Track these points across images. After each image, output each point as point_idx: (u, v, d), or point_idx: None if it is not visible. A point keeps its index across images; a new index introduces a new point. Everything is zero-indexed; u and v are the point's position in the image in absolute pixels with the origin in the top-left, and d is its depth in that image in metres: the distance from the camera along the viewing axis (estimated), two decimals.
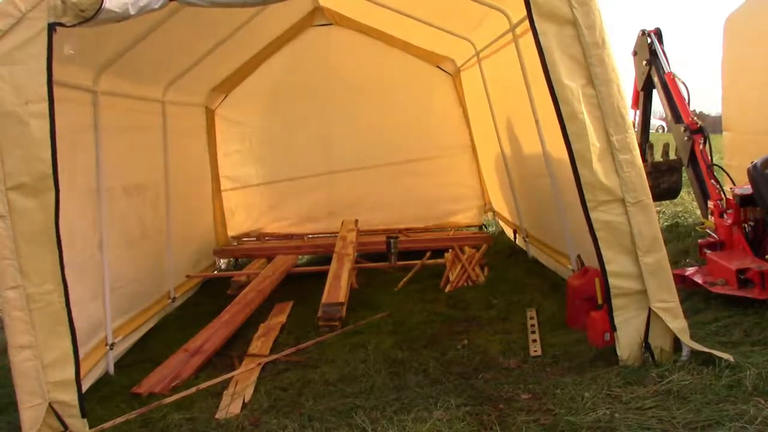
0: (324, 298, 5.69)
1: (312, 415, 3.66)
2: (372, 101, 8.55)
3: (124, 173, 5.63)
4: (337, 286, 5.99)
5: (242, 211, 8.95)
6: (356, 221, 8.22)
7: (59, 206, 3.57)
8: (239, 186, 8.86)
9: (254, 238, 8.84)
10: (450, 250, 7.29)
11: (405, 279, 6.80)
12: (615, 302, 3.81)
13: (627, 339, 3.81)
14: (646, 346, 3.79)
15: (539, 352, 4.38)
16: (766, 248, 5.02)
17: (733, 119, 7.82)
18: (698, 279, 5.09)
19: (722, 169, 6.05)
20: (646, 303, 3.78)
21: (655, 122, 21.22)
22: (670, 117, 6.01)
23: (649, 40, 6.05)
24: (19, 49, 3.48)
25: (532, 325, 4.94)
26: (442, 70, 8.71)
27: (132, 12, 3.60)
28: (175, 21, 5.11)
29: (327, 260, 7.18)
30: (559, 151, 4.31)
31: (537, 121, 5.47)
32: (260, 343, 5.18)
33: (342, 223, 8.14)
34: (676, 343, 3.79)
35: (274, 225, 8.97)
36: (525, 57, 5.29)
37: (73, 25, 3.53)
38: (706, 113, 20.70)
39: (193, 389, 4.24)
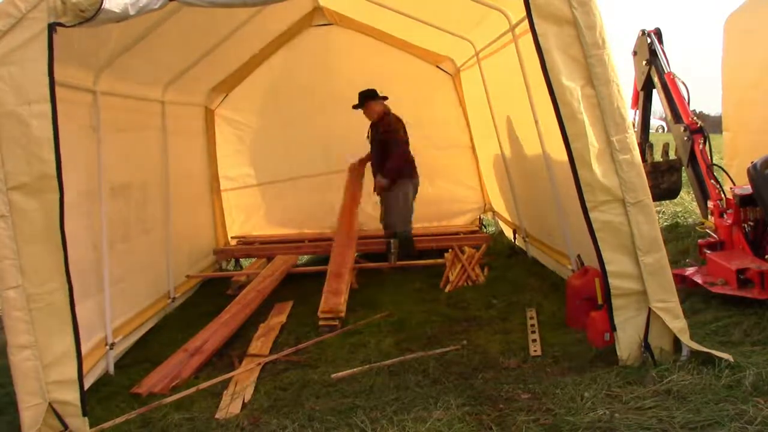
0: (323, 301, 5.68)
1: (312, 415, 3.66)
2: None
3: (124, 173, 5.63)
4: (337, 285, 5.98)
5: (242, 211, 8.95)
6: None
7: (63, 206, 3.57)
8: (239, 186, 8.86)
9: (253, 240, 8.84)
10: (450, 250, 7.29)
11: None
12: (615, 302, 3.81)
13: (627, 339, 3.82)
14: (645, 346, 3.79)
15: (539, 352, 4.38)
16: (766, 248, 5.03)
17: (733, 119, 7.82)
18: (698, 279, 5.09)
19: (722, 169, 6.05)
20: (646, 303, 3.78)
21: (655, 122, 21.25)
22: (670, 117, 6.02)
23: (649, 40, 6.06)
24: (20, 50, 3.48)
25: (532, 325, 4.94)
26: (442, 70, 8.71)
27: (132, 12, 3.61)
28: (175, 21, 5.11)
29: (327, 260, 7.19)
30: (558, 151, 4.31)
31: (537, 121, 5.47)
32: (260, 343, 5.18)
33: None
34: (676, 343, 3.80)
35: (274, 225, 8.97)
36: (525, 57, 5.29)
37: (73, 26, 3.54)
38: (706, 113, 20.72)
39: (193, 389, 4.24)
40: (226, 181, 8.80)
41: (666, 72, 5.95)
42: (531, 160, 6.26)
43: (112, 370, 4.81)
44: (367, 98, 7.40)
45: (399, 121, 7.39)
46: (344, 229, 7.32)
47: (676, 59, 6.00)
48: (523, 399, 3.58)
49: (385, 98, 7.47)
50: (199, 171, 8.20)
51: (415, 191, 7.56)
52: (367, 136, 7.59)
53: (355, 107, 7.46)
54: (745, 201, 5.18)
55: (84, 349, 4.43)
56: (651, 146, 6.55)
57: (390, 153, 7.30)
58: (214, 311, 5.88)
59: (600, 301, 4.26)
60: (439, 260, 7.21)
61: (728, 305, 4.65)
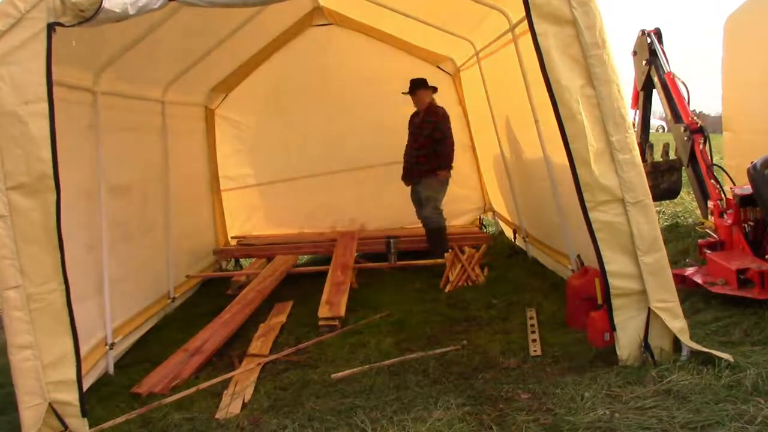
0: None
1: (312, 415, 3.66)
2: (372, 101, 8.54)
3: (123, 173, 5.63)
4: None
5: (242, 211, 8.95)
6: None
7: (60, 206, 3.57)
8: (239, 186, 8.86)
9: (253, 240, 8.84)
10: (450, 250, 7.29)
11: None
12: (615, 302, 3.81)
13: (627, 339, 3.82)
14: (645, 346, 3.79)
15: (539, 352, 4.38)
16: (766, 248, 5.03)
17: (733, 119, 7.82)
18: (698, 279, 5.09)
19: (722, 169, 6.05)
20: (646, 303, 3.78)
21: (655, 122, 21.25)
22: (669, 117, 6.02)
23: (648, 40, 6.06)
24: (19, 49, 3.48)
25: (532, 325, 4.94)
26: (442, 70, 8.71)
27: (131, 12, 3.61)
28: (175, 21, 5.11)
29: (327, 260, 7.20)
30: (558, 151, 4.31)
31: (537, 121, 5.47)
32: (260, 343, 5.18)
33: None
34: (676, 343, 3.80)
35: (274, 225, 8.98)
36: (524, 57, 5.29)
37: (73, 25, 3.53)
38: (706, 113, 20.73)
39: (193, 389, 4.24)
40: (226, 181, 8.80)
41: (666, 72, 5.95)
42: (531, 160, 6.27)
43: (112, 370, 4.81)
44: (419, 86, 7.37)
45: (446, 113, 7.44)
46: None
47: (676, 59, 6.01)
48: (523, 399, 3.58)
49: (435, 89, 7.47)
50: (199, 171, 8.20)
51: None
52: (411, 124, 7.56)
53: (405, 93, 7.43)
54: (745, 201, 5.18)
55: (84, 349, 4.45)
56: (651, 146, 6.55)
57: (444, 140, 7.30)
58: (214, 311, 5.88)
59: (600, 301, 4.26)
60: (439, 260, 7.21)
61: (728, 305, 4.65)
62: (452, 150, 7.36)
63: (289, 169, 8.79)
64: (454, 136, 8.54)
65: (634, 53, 6.34)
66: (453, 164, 7.38)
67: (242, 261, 8.64)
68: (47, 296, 3.57)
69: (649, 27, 6.21)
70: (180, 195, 6.92)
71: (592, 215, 3.78)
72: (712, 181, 5.54)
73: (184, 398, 4.12)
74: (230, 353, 5.08)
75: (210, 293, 7.14)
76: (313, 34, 8.47)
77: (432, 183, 7.33)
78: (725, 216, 5.35)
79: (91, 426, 3.69)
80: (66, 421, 3.59)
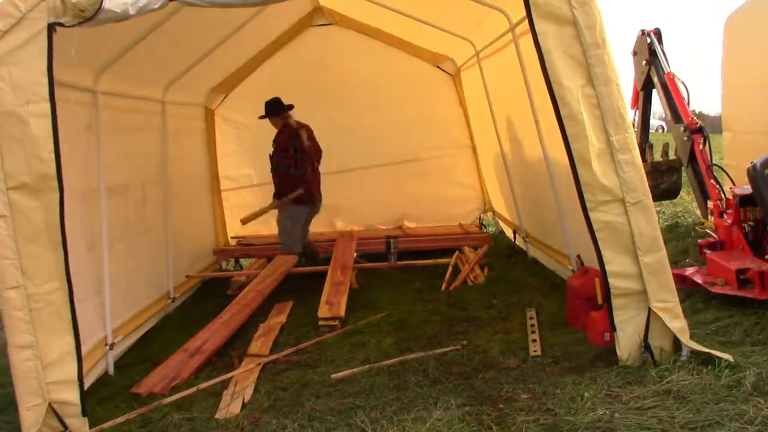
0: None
1: (312, 415, 3.66)
2: (372, 101, 8.55)
3: (123, 173, 5.62)
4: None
5: (242, 211, 8.93)
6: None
7: (63, 206, 3.57)
8: (239, 186, 8.86)
9: (253, 240, 8.84)
10: (457, 252, 7.31)
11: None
12: (615, 302, 3.81)
13: (627, 339, 3.82)
14: (645, 346, 3.79)
15: (539, 352, 4.38)
16: (766, 248, 5.03)
17: (733, 119, 7.82)
18: (698, 279, 5.09)
19: (722, 169, 6.06)
20: (646, 303, 3.78)
21: (655, 122, 21.26)
22: (669, 117, 6.02)
23: (648, 40, 6.06)
24: (19, 49, 3.48)
25: (532, 325, 4.94)
26: (442, 70, 8.72)
27: (131, 12, 3.61)
28: (175, 21, 5.11)
29: (327, 260, 7.20)
30: (558, 151, 4.32)
31: (537, 121, 5.48)
32: (260, 343, 5.18)
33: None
34: (676, 343, 3.80)
35: (274, 225, 8.96)
36: (525, 57, 5.30)
37: (73, 25, 3.54)
38: (706, 113, 20.74)
39: (193, 389, 4.24)
40: (226, 181, 8.81)
41: (666, 72, 5.95)
42: (531, 160, 6.27)
43: (112, 370, 4.81)
44: (268, 113, 7.12)
45: (294, 137, 7.06)
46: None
47: (676, 59, 6.02)
48: (523, 399, 3.58)
49: (290, 107, 7.22)
50: (199, 171, 8.20)
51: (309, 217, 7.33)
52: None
53: (261, 117, 7.19)
54: (744, 201, 5.18)
55: (84, 350, 4.44)
56: (651, 146, 6.55)
57: (276, 168, 7.10)
58: (214, 311, 5.88)
59: (600, 301, 4.26)
60: (440, 260, 7.21)
61: (728, 305, 4.65)
62: (284, 179, 6.97)
63: None
64: (454, 136, 8.52)
65: (634, 53, 6.34)
66: (293, 196, 6.95)
67: (242, 261, 8.64)
68: (48, 296, 3.57)
69: (649, 27, 6.22)
70: (180, 195, 6.92)
71: (592, 215, 3.78)
72: (712, 181, 5.54)
73: (184, 398, 4.12)
74: (230, 353, 5.08)
75: (210, 293, 7.14)
76: (313, 34, 8.48)
77: (284, 206, 7.11)
78: (725, 216, 5.35)
79: (91, 426, 3.69)
80: (66, 421, 3.59)
